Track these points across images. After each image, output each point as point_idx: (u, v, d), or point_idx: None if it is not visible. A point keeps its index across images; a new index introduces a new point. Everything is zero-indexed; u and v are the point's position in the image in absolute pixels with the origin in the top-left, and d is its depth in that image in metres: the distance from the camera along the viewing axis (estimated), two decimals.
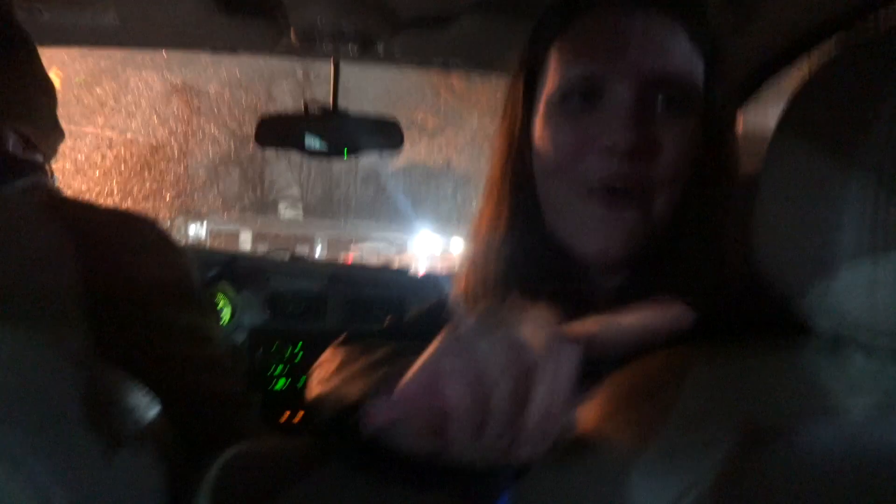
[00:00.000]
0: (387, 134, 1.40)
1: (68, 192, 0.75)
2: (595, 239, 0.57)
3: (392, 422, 0.37)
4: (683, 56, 0.58)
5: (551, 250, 0.60)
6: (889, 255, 0.35)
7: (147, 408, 0.52)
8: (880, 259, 0.36)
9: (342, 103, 1.37)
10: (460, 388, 0.35)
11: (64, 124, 0.79)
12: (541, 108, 0.61)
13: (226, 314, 1.67)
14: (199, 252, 1.85)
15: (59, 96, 0.78)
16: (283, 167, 12.02)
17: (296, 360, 1.59)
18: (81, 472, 0.43)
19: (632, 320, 0.39)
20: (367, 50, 1.17)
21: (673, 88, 0.57)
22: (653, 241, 0.57)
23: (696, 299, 0.49)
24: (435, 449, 0.38)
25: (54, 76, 0.78)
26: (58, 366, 0.49)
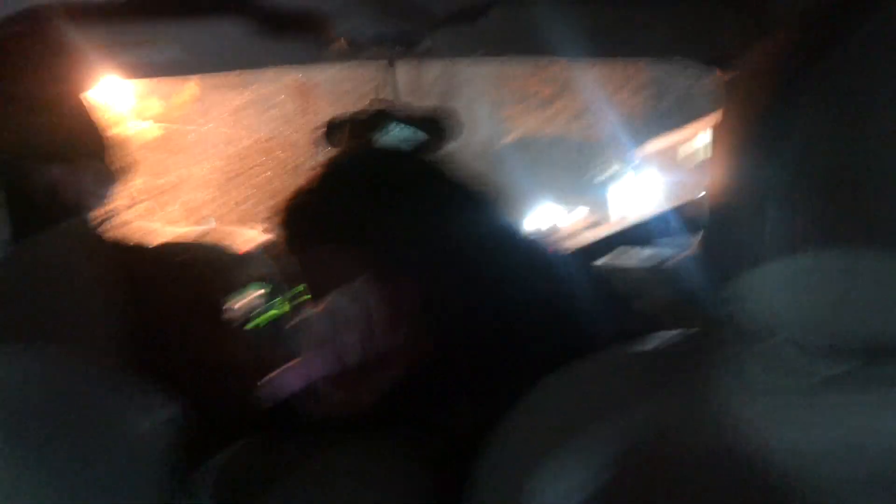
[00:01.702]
0: (444, 126, 1.44)
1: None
2: None
3: (292, 388, 0.61)
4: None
5: None
6: (805, 256, 0.36)
7: (162, 408, 0.61)
8: (798, 258, 0.36)
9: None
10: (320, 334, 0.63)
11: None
12: None
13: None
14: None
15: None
16: None
17: None
18: (99, 464, 0.52)
19: None
20: (411, 49, 1.22)
21: None
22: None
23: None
24: (332, 402, 0.62)
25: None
26: (79, 378, 0.58)
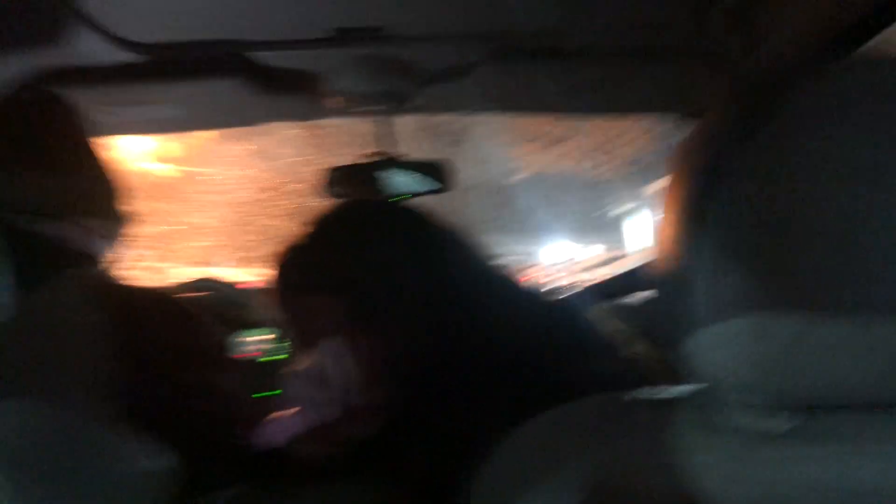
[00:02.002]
0: (440, 174, 1.47)
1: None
2: None
3: (280, 435, 0.66)
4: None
5: None
6: (730, 321, 0.38)
7: (152, 456, 0.63)
8: (725, 323, 0.38)
9: None
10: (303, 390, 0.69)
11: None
12: None
13: None
14: None
15: None
16: None
17: None
18: None
19: None
20: (398, 106, 1.26)
21: None
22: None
23: None
24: (318, 444, 0.67)
25: None
26: (75, 427, 0.61)
